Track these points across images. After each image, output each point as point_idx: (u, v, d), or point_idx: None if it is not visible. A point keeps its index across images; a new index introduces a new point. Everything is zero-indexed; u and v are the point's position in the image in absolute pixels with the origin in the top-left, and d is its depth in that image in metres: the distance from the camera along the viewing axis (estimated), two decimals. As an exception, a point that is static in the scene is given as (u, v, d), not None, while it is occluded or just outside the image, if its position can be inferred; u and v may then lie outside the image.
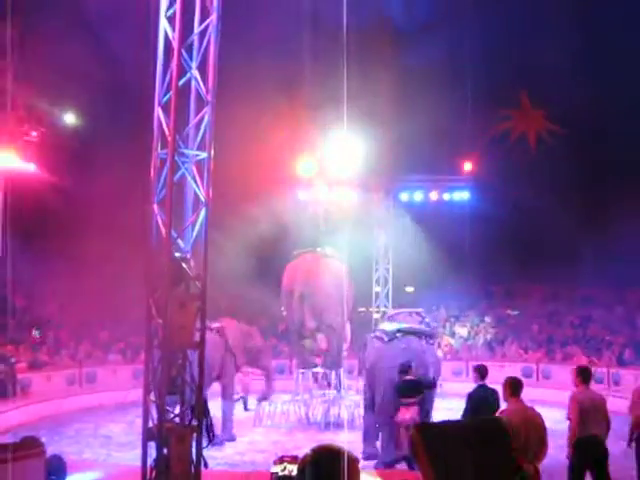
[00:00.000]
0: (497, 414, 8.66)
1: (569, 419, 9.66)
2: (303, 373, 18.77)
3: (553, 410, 13.37)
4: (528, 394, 10.06)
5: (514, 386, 8.64)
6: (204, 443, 8.48)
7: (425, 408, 13.38)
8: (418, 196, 28.99)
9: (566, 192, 26.28)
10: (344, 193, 27.34)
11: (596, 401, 10.03)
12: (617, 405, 19.82)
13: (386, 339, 15.37)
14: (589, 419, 9.88)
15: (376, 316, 26.99)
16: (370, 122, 23.87)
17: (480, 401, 11.02)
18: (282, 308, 19.43)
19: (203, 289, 8.85)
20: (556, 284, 30.37)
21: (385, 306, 27.65)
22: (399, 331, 15.60)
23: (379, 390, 14.26)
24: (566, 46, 22.95)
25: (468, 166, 28.35)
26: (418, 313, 17.60)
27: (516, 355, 25.25)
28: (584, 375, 10.23)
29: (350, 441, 15.41)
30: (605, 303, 27.46)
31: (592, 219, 25.79)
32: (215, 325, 17.02)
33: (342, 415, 17.54)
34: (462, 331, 28.18)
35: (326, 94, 15.37)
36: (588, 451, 9.83)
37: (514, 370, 19.01)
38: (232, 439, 15.74)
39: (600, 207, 26.19)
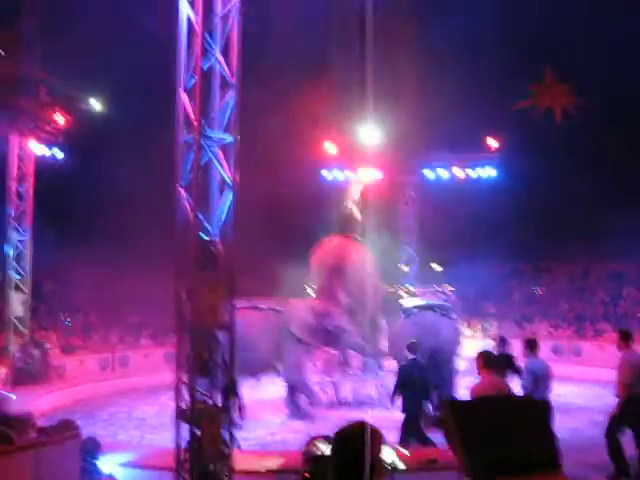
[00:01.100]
0: (470, 386, 9.01)
1: (619, 382, 10.48)
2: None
3: (583, 387, 13.32)
4: (558, 372, 10.19)
5: (486, 359, 8.95)
6: (236, 424, 8.47)
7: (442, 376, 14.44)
8: (444, 173, 28.91)
9: (595, 167, 25.79)
10: (370, 172, 27.44)
11: None
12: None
13: (403, 316, 15.83)
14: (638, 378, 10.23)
15: (404, 295, 26.38)
16: (394, 101, 23.68)
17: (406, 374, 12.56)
18: (306, 286, 19.17)
19: (231, 271, 8.87)
20: (586, 261, 29.81)
21: (413, 285, 27.62)
22: (415, 307, 16.01)
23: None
24: (590, 15, 22.35)
25: (494, 143, 28.23)
26: (443, 292, 17.66)
27: (546, 333, 25.06)
28: (626, 337, 11.04)
29: (380, 418, 15.38)
30: (635, 279, 27.10)
31: (621, 194, 25.31)
32: (265, 306, 17.13)
33: (372, 394, 17.56)
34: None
35: (351, 74, 15.25)
36: (634, 408, 10.29)
37: (544, 347, 18.89)
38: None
39: (629, 181, 25.69)
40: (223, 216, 9.13)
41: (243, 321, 16.25)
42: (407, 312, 16.13)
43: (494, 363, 8.91)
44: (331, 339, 17.61)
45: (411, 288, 26.68)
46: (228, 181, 9.12)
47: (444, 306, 16.17)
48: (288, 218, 22.81)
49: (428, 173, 28.59)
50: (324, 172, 28.46)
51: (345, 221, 19.11)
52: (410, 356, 12.47)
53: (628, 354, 10.74)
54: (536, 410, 4.35)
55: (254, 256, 18.56)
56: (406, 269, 28.23)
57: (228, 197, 9.08)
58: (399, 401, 12.24)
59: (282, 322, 16.51)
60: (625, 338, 10.96)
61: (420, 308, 15.99)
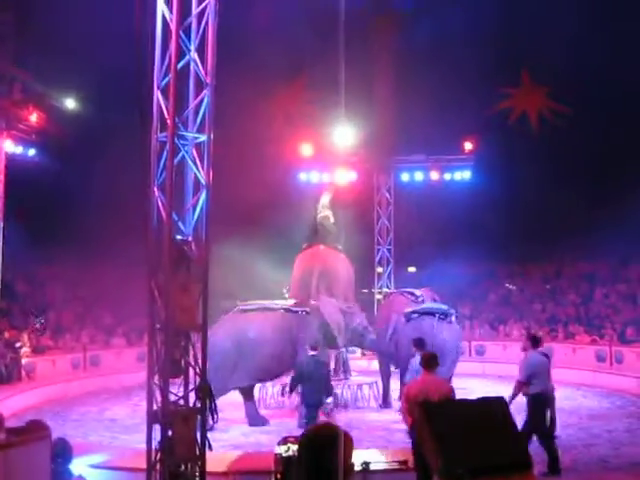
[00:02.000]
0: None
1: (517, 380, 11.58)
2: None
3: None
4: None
5: (426, 361, 9.60)
6: (208, 425, 8.47)
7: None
8: (419, 176, 28.98)
9: (569, 170, 26.03)
10: (344, 174, 27.73)
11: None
12: (620, 383, 19.92)
13: (404, 320, 15.82)
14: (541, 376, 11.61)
15: (378, 297, 27.71)
16: (370, 102, 23.82)
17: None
18: (285, 290, 19.16)
19: (205, 271, 8.79)
20: (558, 262, 30.17)
21: (387, 287, 28.20)
22: (415, 312, 15.96)
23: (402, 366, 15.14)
24: (571, 16, 23.14)
25: (469, 146, 28.27)
26: (411, 292, 17.59)
27: (519, 335, 25.18)
28: (535, 341, 12.27)
29: (351, 419, 15.48)
30: (606, 280, 27.31)
31: (595, 195, 25.58)
32: (276, 306, 16.54)
33: (345, 396, 17.14)
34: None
35: (325, 75, 15.28)
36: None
37: (516, 349, 19.02)
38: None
39: (601, 184, 26.00)
40: (197, 216, 9.07)
41: (256, 323, 16.29)
42: (407, 317, 16.01)
43: (433, 363, 9.44)
44: (357, 339, 17.88)
45: (386, 290, 27.58)
46: (202, 181, 9.05)
47: (444, 310, 16.10)
48: (263, 219, 22.64)
49: (403, 175, 28.98)
50: (301, 174, 29.13)
51: (321, 230, 19.71)
52: (311, 352, 13.74)
53: (531, 354, 11.85)
54: (499, 410, 4.55)
55: (229, 257, 18.51)
56: (380, 270, 28.67)
57: (202, 197, 9.02)
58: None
59: (303, 322, 16.33)
60: (534, 343, 12.06)
61: (420, 313, 15.84)
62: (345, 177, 27.43)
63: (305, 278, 18.36)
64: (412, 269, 31.31)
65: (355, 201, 26.29)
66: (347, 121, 23.09)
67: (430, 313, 16.01)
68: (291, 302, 16.81)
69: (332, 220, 19.69)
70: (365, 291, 27.93)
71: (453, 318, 16.46)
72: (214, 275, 8.67)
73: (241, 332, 15.84)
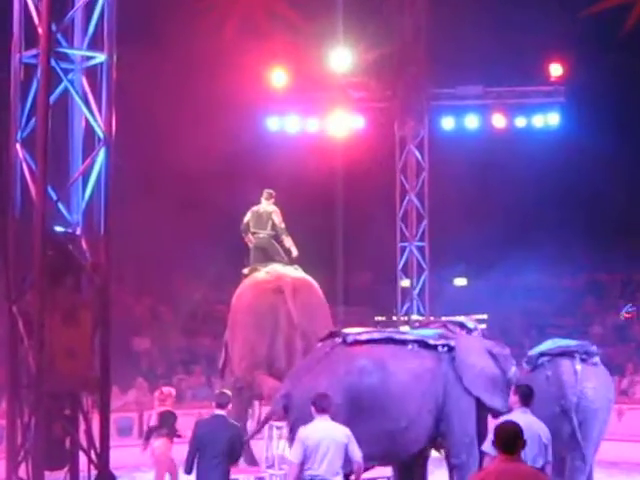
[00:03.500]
0: None
1: None
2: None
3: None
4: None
5: (509, 439, 6.43)
6: None
7: None
8: (472, 121, 21.18)
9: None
10: (342, 119, 20.49)
11: None
12: None
13: (526, 367, 11.23)
14: None
15: (404, 328, 19.30)
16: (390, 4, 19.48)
17: None
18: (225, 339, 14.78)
19: (104, 287, 6.67)
20: None
21: (419, 310, 20.80)
22: (544, 354, 11.37)
23: None
24: None
25: (557, 70, 20.31)
26: (461, 324, 12.71)
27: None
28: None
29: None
30: None
31: None
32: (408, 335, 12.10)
33: None
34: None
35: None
36: None
37: None
38: None
39: None
40: (90, 193, 6.88)
41: (381, 364, 11.04)
42: (531, 361, 11.51)
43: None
44: (506, 390, 11.77)
45: (415, 316, 20.47)
46: (99, 131, 6.83)
47: (586, 349, 12.03)
48: (208, 198, 18.45)
49: (445, 121, 21.22)
50: (270, 120, 21.02)
51: (268, 247, 14.10)
52: (217, 412, 9.26)
53: None
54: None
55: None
56: (406, 284, 20.54)
57: (99, 159, 6.78)
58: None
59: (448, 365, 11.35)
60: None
61: (552, 355, 11.48)
62: (344, 125, 20.56)
63: (262, 330, 13.39)
64: (461, 281, 23.70)
65: (362, 168, 19.64)
66: (348, 37, 17.74)
67: (567, 353, 11.58)
68: (430, 334, 11.60)
69: (281, 226, 14.14)
70: (380, 319, 21.82)
71: (597, 359, 12.09)
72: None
73: (358, 378, 10.92)
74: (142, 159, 14.44)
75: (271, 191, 14.07)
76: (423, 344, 11.46)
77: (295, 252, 13.91)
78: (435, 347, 11.40)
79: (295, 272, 13.98)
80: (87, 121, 7.01)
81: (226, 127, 18.31)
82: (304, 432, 8.22)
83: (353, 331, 11.95)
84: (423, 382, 11.09)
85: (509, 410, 9.74)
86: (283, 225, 13.80)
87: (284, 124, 21.21)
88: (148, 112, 15.22)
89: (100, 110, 6.92)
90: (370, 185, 19.40)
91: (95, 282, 6.74)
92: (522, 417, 7.97)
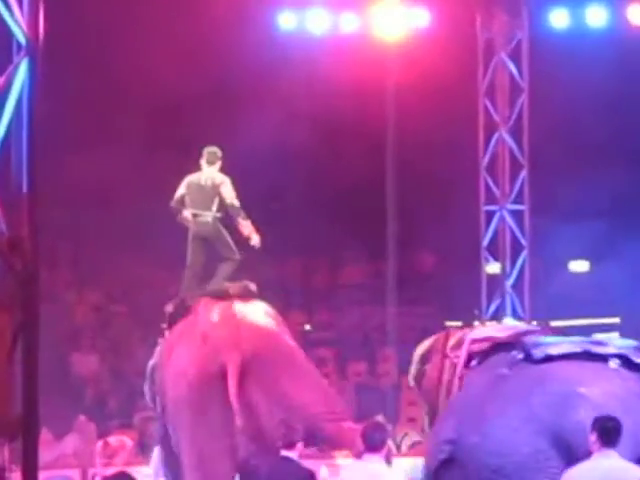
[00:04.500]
0: None
1: None
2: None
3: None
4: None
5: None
6: None
7: None
8: (597, 15, 16.74)
9: None
10: (396, 17, 16.06)
11: None
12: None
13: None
14: None
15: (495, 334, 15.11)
16: None
17: None
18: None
19: (30, 274, 5.88)
20: None
21: (514, 311, 16.90)
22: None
23: None
24: None
25: None
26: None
27: None
28: None
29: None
30: None
31: None
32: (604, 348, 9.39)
33: None
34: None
35: None
36: None
37: None
38: None
39: None
40: (4, 131, 5.90)
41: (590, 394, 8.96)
42: None
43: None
44: None
45: (510, 321, 16.28)
46: (20, 35, 5.93)
47: None
48: (192, 129, 13.95)
49: (554, 15, 16.56)
50: (283, 15, 16.55)
51: (213, 243, 11.06)
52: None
53: None
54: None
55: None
56: (493, 270, 16.62)
57: (19, 76, 5.86)
58: None
59: None
60: None
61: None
62: (398, 22, 16.46)
63: (200, 386, 10.47)
64: (580, 265, 20.41)
65: (424, 89, 14.45)
66: None
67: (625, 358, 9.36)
68: (625, 345, 9.41)
69: (235, 203, 11.11)
70: (453, 324, 17.63)
71: None
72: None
73: (563, 412, 9.12)
74: (89, 78, 9.85)
75: (216, 150, 11.25)
76: (626, 361, 9.34)
77: (256, 241, 10.85)
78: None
79: (253, 314, 10.64)
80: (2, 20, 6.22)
81: (218, 26, 14.10)
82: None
83: (536, 340, 8.79)
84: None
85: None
86: (237, 202, 10.87)
87: (304, 21, 16.96)
88: (99, 7, 10.31)
89: (21, 3, 6.17)
90: (437, 116, 15.16)
91: (14, 268, 5.76)
92: (605, 462, 7.24)
